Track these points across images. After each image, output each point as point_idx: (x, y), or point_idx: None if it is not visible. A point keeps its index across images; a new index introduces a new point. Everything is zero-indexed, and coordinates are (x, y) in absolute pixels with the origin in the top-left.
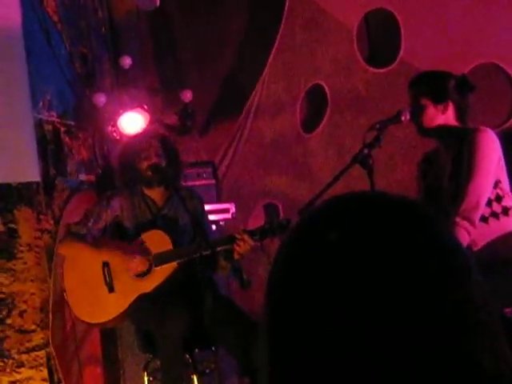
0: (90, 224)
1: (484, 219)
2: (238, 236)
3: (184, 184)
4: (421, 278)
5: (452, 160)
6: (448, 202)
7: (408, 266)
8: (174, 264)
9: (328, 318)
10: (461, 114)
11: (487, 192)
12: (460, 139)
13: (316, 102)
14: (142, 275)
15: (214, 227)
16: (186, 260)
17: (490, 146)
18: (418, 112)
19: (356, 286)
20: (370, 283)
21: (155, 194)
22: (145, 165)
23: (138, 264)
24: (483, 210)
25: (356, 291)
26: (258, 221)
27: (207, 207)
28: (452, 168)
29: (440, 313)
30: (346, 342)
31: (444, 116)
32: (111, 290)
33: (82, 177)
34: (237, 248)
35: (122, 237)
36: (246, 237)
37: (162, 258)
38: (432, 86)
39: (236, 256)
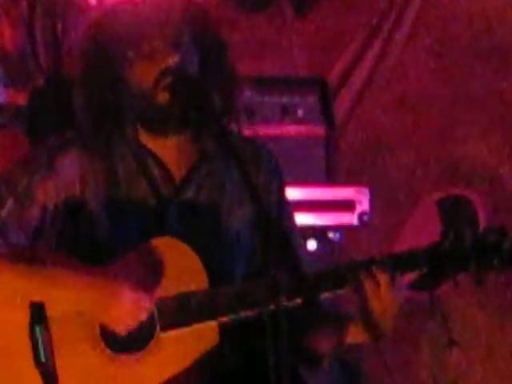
0: (2, 213)
1: None
2: (377, 266)
3: (244, 131)
4: None
5: None
6: None
7: None
8: (212, 328)
9: None
10: None
11: None
12: None
13: None
14: (127, 346)
15: (312, 245)
16: (239, 319)
17: None
18: None
19: None
20: None
21: (169, 148)
22: (152, 71)
23: (127, 314)
24: None
25: None
26: (424, 235)
27: (301, 194)
28: None
29: None
30: None
31: None
32: (49, 379)
33: None
34: (370, 300)
35: (85, 253)
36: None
37: (179, 312)
38: None
39: (362, 319)
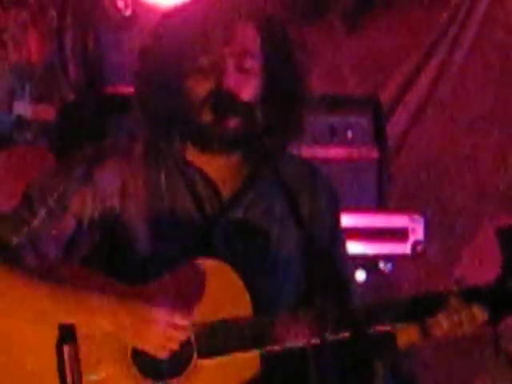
0: (35, 223)
1: None
2: (453, 300)
3: (296, 152)
4: None
5: None
6: None
7: None
8: (254, 357)
9: None
10: None
11: None
12: None
13: None
14: (161, 372)
15: (361, 276)
16: (285, 352)
17: None
18: None
19: None
20: None
21: (217, 166)
22: (202, 89)
23: (162, 338)
24: None
25: None
26: (482, 266)
27: (350, 221)
28: None
29: None
30: None
31: None
32: None
33: (23, 108)
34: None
35: (122, 269)
36: (466, 308)
37: (218, 340)
38: None
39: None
